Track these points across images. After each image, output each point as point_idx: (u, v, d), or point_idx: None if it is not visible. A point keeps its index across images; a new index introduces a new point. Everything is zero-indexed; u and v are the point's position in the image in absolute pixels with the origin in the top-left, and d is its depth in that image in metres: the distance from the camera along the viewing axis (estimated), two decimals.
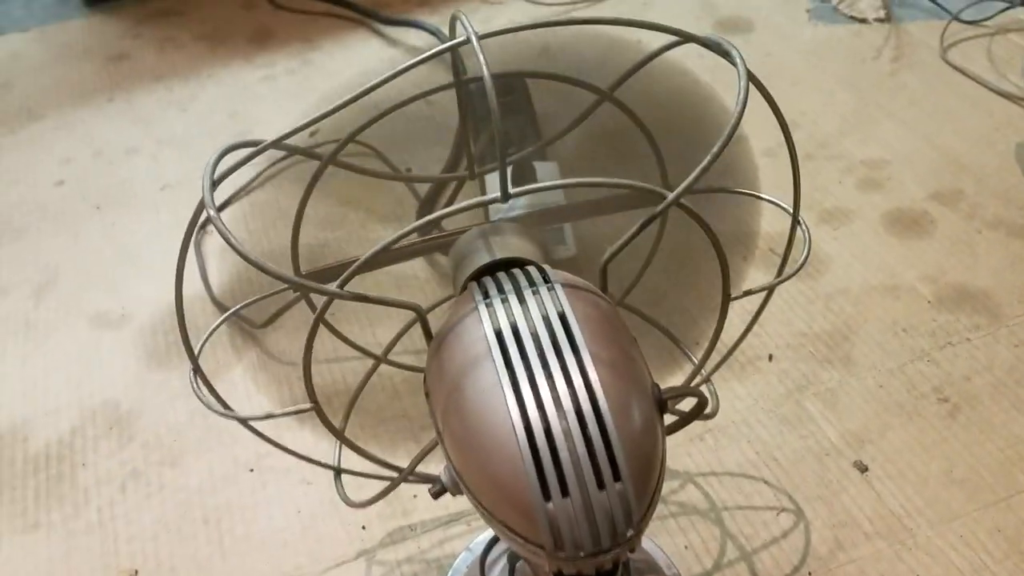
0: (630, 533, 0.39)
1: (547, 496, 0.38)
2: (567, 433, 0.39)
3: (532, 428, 0.39)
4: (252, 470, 0.77)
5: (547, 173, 0.92)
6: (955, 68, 1.17)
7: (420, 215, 1.00)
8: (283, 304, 0.83)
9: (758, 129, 0.54)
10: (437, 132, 0.78)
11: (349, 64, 1.29)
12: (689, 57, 0.55)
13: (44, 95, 1.28)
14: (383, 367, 0.61)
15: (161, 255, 1.00)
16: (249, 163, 0.46)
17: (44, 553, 0.72)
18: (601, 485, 0.38)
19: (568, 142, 0.61)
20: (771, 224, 0.85)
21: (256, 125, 1.18)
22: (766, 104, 0.47)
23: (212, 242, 0.97)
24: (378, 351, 0.61)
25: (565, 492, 0.38)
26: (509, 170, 0.41)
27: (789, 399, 0.78)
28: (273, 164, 1.04)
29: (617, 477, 0.39)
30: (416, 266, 0.87)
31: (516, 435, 0.39)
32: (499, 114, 0.39)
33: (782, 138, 0.50)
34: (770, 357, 0.82)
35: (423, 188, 0.95)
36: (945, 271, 0.89)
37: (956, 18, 1.23)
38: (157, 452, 0.79)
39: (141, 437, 0.80)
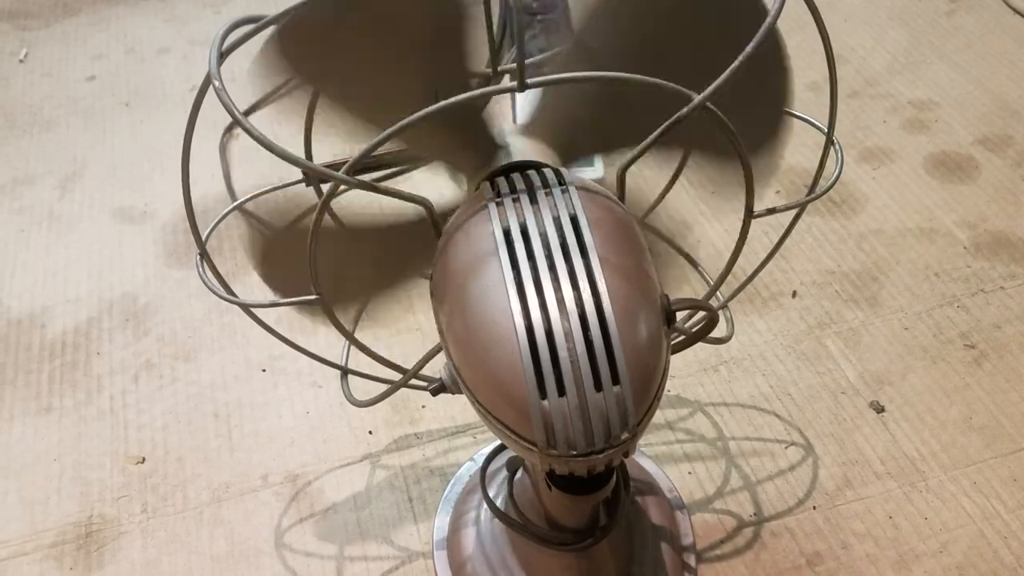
0: (625, 436, 0.38)
1: (543, 394, 0.38)
2: (568, 334, 0.38)
3: (533, 327, 0.38)
4: (264, 370, 0.77)
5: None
6: (1016, 12, 1.11)
7: None
8: (305, 209, 0.82)
9: (804, 64, 0.52)
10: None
11: None
12: None
13: None
14: None
15: None
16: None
17: (55, 436, 0.73)
18: (599, 387, 0.38)
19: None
20: (810, 160, 0.83)
21: None
22: (812, 40, 0.45)
23: (238, 147, 0.96)
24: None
25: (562, 391, 0.38)
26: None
27: (809, 336, 0.77)
28: None
29: (616, 380, 0.38)
30: None
31: (516, 333, 0.38)
32: None
33: (827, 73, 0.47)
34: (794, 294, 0.80)
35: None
36: (985, 217, 0.86)
37: None
38: (171, 346, 0.79)
39: (157, 331, 0.81)
